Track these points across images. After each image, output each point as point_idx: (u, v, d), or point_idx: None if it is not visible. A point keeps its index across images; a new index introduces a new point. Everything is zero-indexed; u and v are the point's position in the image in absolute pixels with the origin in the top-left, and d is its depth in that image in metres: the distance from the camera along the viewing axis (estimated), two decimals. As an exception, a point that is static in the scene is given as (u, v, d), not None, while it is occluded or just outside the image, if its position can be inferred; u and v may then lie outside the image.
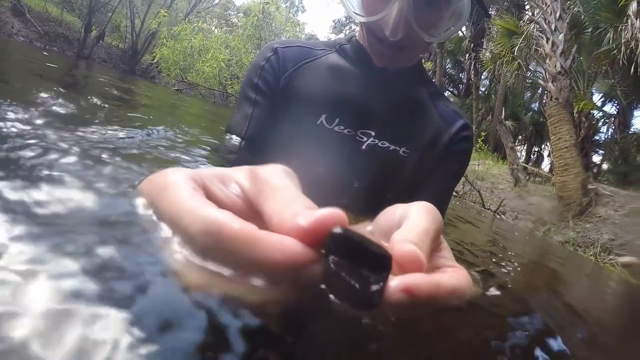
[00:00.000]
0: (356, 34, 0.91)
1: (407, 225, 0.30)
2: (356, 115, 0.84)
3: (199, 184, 0.28)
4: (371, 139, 0.84)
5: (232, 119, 0.89)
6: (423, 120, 0.88)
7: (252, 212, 0.28)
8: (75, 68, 5.69)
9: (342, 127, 0.83)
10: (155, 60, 13.50)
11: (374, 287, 0.23)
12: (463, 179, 7.15)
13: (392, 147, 0.85)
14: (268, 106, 0.87)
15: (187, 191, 0.26)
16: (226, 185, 0.30)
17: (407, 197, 0.74)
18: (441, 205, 0.90)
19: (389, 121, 0.85)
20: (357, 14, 0.80)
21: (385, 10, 0.74)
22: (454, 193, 6.87)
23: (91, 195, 0.33)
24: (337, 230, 0.23)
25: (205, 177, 0.29)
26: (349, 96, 0.84)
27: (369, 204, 0.80)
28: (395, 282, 0.25)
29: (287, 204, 0.26)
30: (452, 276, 0.30)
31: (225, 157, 0.83)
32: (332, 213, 0.24)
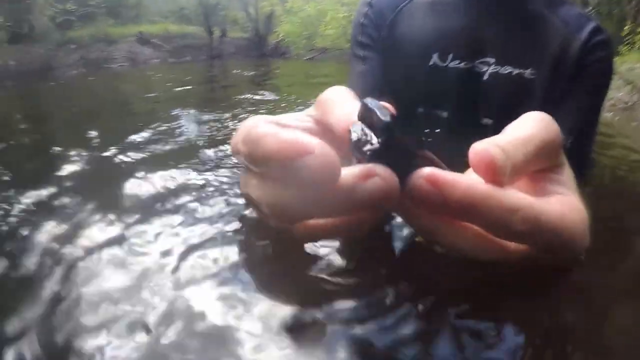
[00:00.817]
0: None
1: (503, 133, 0.25)
2: (470, 45, 0.76)
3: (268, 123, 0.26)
4: (492, 67, 0.76)
5: (348, 85, 0.81)
6: (545, 32, 0.76)
7: (325, 131, 0.28)
8: (211, 68, 6.17)
9: (457, 62, 0.77)
10: (280, 39, 14.06)
11: (369, 145, 0.22)
12: (629, 86, 6.11)
13: (515, 71, 0.75)
14: (378, 59, 0.83)
15: (260, 122, 0.25)
16: (300, 120, 0.30)
17: None
18: (586, 128, 0.78)
19: (506, 43, 0.76)
20: None
21: None
22: (624, 104, 5.91)
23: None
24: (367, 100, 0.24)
25: (280, 118, 0.30)
26: (456, 27, 0.77)
27: None
28: (423, 170, 0.21)
29: (344, 115, 0.26)
30: (539, 199, 0.23)
31: None
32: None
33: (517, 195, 0.22)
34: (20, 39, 6.36)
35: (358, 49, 0.86)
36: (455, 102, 0.77)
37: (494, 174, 0.21)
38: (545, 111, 0.67)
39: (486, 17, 0.77)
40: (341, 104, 0.27)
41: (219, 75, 4.48)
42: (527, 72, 0.75)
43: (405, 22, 0.81)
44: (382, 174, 0.20)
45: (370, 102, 0.23)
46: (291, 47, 13.68)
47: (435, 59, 0.77)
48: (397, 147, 0.22)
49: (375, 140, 0.22)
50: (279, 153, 0.20)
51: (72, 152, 0.76)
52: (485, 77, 0.76)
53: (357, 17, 0.87)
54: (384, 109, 0.22)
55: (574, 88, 0.75)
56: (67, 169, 0.65)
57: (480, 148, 0.22)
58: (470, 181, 0.21)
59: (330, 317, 0.23)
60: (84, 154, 0.74)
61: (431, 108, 0.79)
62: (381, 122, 0.22)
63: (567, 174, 0.27)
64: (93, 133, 0.98)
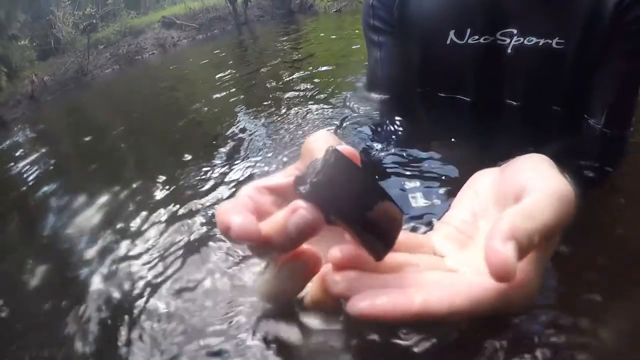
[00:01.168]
0: None
1: (525, 211, 0.25)
2: (488, 17, 0.69)
3: (259, 189, 0.31)
4: (515, 39, 0.68)
5: (367, 73, 0.87)
6: None
7: None
8: (241, 47, 5.94)
9: (476, 37, 0.70)
10: (303, -7, 13.66)
11: (307, 182, 0.25)
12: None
13: (541, 41, 0.67)
14: (393, 44, 0.80)
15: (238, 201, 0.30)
16: (288, 175, 0.32)
17: (575, 104, 0.67)
18: (622, 102, 0.66)
19: (529, 10, 0.67)
20: None
21: None
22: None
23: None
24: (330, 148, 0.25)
25: (272, 178, 0.32)
26: None
27: (529, 124, 0.70)
28: (358, 302, 0.25)
29: None
30: (466, 291, 0.25)
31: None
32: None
33: (432, 307, 0.24)
34: (49, 53, 6.42)
35: (371, 34, 0.82)
36: (478, 82, 0.73)
37: (504, 279, 0.23)
38: (578, 84, 0.67)
39: None
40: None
41: (250, 55, 4.30)
42: (554, 42, 0.67)
43: None
44: (305, 207, 0.24)
45: (330, 152, 0.24)
46: (316, 1, 13.30)
47: (451, 36, 0.72)
48: (325, 196, 0.24)
49: (308, 185, 0.24)
50: (219, 229, 0.27)
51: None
52: (509, 50, 0.70)
53: None
54: (331, 165, 0.24)
55: (608, 54, 0.63)
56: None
57: (497, 259, 0.23)
58: (387, 305, 0.24)
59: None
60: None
61: (452, 92, 0.76)
62: (312, 179, 0.24)
63: (547, 248, 0.28)
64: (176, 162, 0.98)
